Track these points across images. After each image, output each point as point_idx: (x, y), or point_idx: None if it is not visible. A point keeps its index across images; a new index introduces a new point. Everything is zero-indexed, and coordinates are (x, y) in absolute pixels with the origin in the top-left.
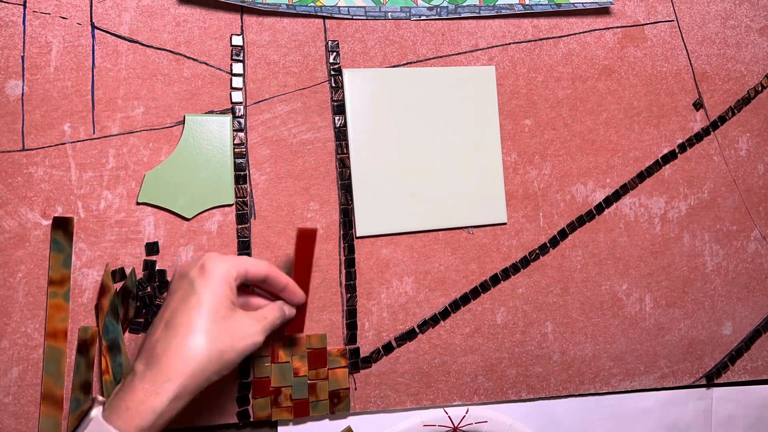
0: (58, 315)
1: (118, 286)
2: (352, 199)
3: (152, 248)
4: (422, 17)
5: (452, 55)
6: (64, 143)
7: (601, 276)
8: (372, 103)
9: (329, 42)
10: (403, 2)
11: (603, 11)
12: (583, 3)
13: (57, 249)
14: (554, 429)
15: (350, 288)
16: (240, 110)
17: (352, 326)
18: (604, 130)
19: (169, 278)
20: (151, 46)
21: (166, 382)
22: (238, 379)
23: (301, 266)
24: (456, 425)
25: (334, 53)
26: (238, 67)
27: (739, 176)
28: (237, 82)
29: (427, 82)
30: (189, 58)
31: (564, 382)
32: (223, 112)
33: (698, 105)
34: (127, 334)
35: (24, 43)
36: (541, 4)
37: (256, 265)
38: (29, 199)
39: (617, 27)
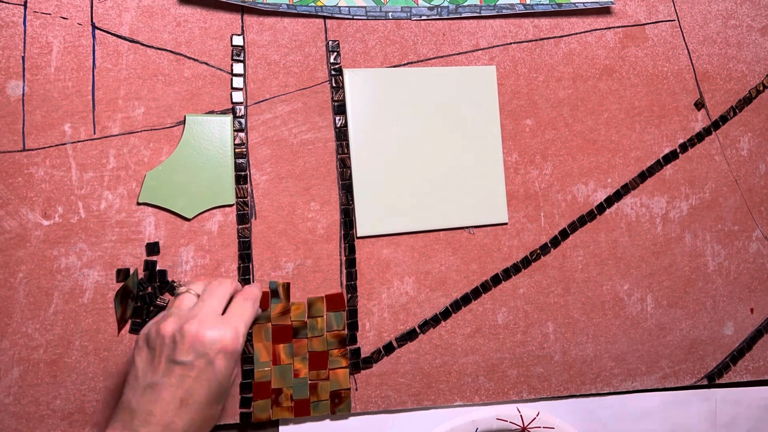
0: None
1: (119, 286)
2: (352, 199)
3: (153, 248)
4: (423, 17)
5: (453, 55)
6: (65, 143)
7: (602, 276)
8: (373, 103)
9: (330, 42)
10: (403, 2)
11: (604, 11)
12: (584, 2)
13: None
14: None
15: (351, 288)
16: (240, 110)
17: (353, 326)
18: (605, 129)
19: (170, 279)
20: (152, 47)
21: None
22: (240, 380)
23: None
24: (525, 425)
25: (335, 53)
26: (238, 67)
27: (740, 176)
28: (237, 82)
29: (428, 82)
30: (189, 58)
31: (565, 382)
32: (223, 112)
33: (699, 105)
34: (127, 334)
35: (24, 43)
36: (542, 4)
37: (252, 300)
38: (30, 200)
39: (618, 27)
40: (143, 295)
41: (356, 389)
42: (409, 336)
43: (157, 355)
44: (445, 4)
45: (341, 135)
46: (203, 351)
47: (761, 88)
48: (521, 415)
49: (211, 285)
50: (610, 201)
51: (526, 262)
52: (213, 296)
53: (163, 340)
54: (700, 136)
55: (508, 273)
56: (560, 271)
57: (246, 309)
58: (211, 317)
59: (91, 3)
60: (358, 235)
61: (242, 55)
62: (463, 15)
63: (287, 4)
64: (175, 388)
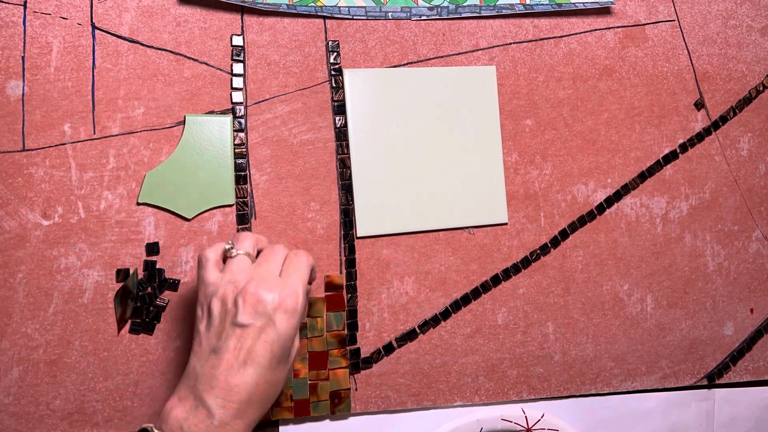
0: None
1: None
2: (352, 200)
3: (152, 248)
4: (423, 17)
5: (453, 55)
6: (65, 143)
7: (602, 276)
8: (372, 104)
9: (330, 42)
10: (403, 2)
11: (604, 11)
12: (584, 3)
13: None
14: None
15: (351, 288)
16: (240, 110)
17: (352, 326)
18: (605, 130)
19: (167, 276)
20: (152, 47)
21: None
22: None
23: None
24: (530, 426)
25: (335, 53)
26: (238, 68)
27: (740, 176)
28: (237, 82)
29: (428, 82)
30: (189, 58)
31: (565, 382)
32: (223, 113)
33: (699, 105)
34: (127, 334)
35: (24, 43)
36: (542, 4)
37: (305, 259)
38: (29, 200)
39: (618, 27)
40: (143, 295)
41: (356, 389)
42: (409, 336)
43: (219, 320)
44: (445, 4)
45: (341, 135)
46: (264, 311)
47: (761, 89)
48: (526, 416)
49: (266, 250)
50: (610, 201)
51: (525, 262)
52: (269, 260)
53: (225, 305)
54: (700, 137)
55: (508, 273)
56: (560, 271)
57: (301, 268)
58: (270, 279)
59: (91, 3)
60: (358, 236)
61: (242, 55)
62: (463, 15)
63: (287, 4)
64: (237, 350)
